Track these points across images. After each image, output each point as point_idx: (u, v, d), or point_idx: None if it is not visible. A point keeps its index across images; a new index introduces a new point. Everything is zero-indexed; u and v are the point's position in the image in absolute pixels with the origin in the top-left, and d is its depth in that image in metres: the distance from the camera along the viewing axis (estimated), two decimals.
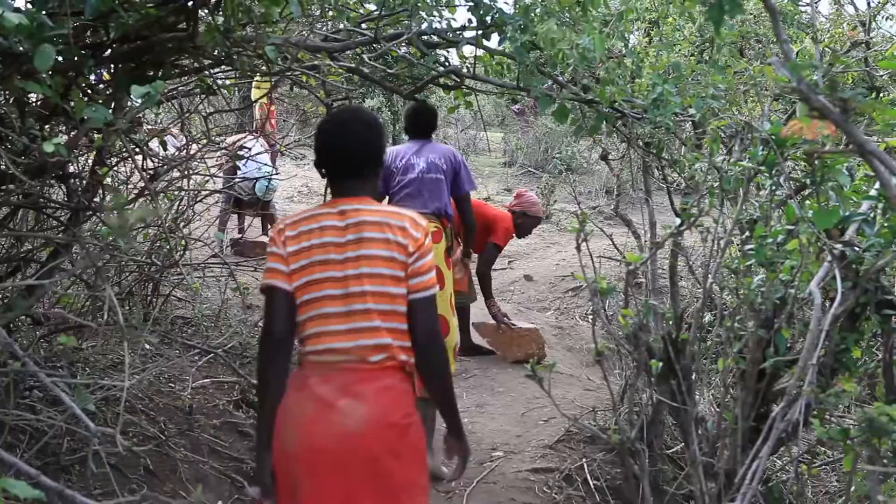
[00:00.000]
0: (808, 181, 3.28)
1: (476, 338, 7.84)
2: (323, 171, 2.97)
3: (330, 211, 2.88)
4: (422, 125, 5.44)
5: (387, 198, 5.10)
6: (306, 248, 2.82)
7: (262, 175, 8.70)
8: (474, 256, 7.20)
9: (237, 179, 8.88)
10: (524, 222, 7.94)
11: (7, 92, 3.21)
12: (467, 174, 5.67)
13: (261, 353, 2.90)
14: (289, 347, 2.86)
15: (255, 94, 10.69)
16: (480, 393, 7.01)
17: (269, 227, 10.50)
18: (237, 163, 8.55)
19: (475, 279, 7.65)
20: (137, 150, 3.92)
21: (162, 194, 4.77)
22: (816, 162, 3.11)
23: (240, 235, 9.80)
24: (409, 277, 2.83)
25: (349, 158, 2.92)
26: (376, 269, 2.79)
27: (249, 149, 7.86)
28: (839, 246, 3.11)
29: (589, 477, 5.14)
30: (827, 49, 7.64)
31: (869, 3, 8.64)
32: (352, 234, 2.82)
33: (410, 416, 2.83)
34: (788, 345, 3.47)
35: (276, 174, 9.11)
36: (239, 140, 8.10)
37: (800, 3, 10.06)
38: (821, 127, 2.13)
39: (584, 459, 5.30)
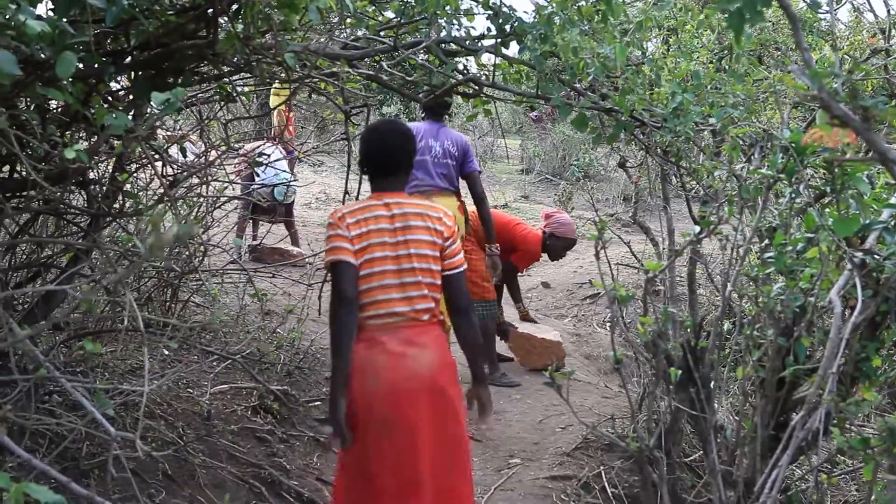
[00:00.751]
0: (828, 189, 3.27)
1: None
2: (366, 171, 3.81)
3: (377, 203, 3.66)
4: (436, 107, 6.06)
5: None
6: (366, 233, 3.57)
7: (280, 182, 8.73)
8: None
9: (255, 186, 8.90)
10: (553, 244, 7.66)
11: (29, 98, 3.24)
12: (473, 157, 6.71)
13: (337, 314, 3.54)
14: (357, 309, 3.55)
15: (273, 101, 10.74)
16: (497, 400, 6.99)
17: (291, 232, 10.53)
18: (256, 169, 8.59)
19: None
20: (157, 156, 3.94)
21: (181, 200, 4.79)
22: (836, 170, 3.10)
23: (257, 242, 9.80)
24: (445, 258, 3.70)
25: (388, 162, 3.71)
26: (421, 251, 3.62)
27: (268, 155, 7.89)
28: (859, 254, 3.09)
29: (607, 485, 5.13)
30: (846, 57, 7.60)
31: (889, 11, 8.59)
32: (399, 223, 3.62)
33: (450, 365, 3.75)
34: (808, 353, 3.46)
35: (294, 180, 9.14)
36: (257, 147, 8.13)
37: (819, 10, 10.02)
38: (841, 135, 2.13)
39: (601, 467, 5.29)
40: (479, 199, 6.77)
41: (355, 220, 3.57)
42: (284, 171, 8.99)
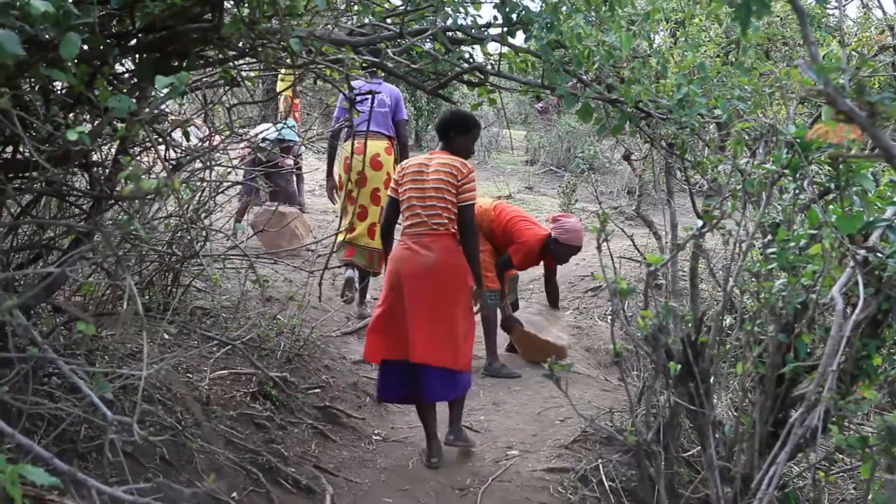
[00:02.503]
0: (832, 185, 3.26)
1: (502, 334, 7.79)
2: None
3: (426, 157, 5.65)
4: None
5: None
6: (406, 178, 5.54)
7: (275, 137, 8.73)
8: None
9: (260, 136, 8.78)
10: (556, 249, 7.53)
11: (32, 79, 3.22)
12: (403, 107, 8.20)
13: (384, 228, 5.82)
14: (394, 227, 5.79)
15: (279, 86, 10.70)
16: (497, 391, 7.01)
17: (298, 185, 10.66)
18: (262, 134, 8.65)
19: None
20: (160, 140, 3.93)
21: (184, 185, 4.78)
22: (841, 166, 3.09)
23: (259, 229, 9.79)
24: (458, 194, 5.43)
25: (439, 132, 5.71)
26: (439, 186, 5.42)
27: (271, 140, 7.91)
28: (862, 251, 3.08)
29: (604, 478, 5.13)
30: (854, 53, 7.58)
31: None
32: (431, 169, 5.49)
33: (459, 260, 5.45)
34: (809, 350, 3.45)
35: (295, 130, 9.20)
36: (262, 131, 8.15)
37: (827, 6, 9.99)
38: (847, 131, 2.11)
39: (599, 460, 5.29)
40: (403, 146, 8.23)
41: (402, 173, 5.59)
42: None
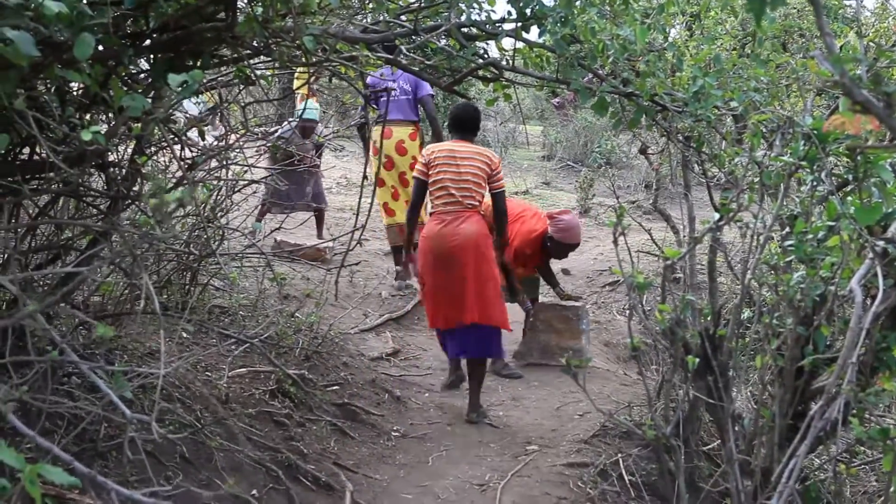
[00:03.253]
0: (850, 177, 3.24)
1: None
2: (450, 127, 6.51)
3: (451, 146, 6.32)
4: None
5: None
6: (438, 163, 6.21)
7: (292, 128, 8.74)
8: None
9: (283, 129, 8.81)
10: (552, 246, 7.43)
11: (47, 81, 3.23)
12: (424, 84, 8.53)
13: (414, 205, 6.48)
14: (422, 205, 6.62)
15: (296, 84, 10.71)
16: (516, 386, 7.00)
17: (322, 225, 10.51)
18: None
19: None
20: (176, 139, 3.94)
21: (200, 184, 4.79)
22: (859, 157, 3.07)
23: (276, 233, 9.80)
24: (491, 182, 6.25)
25: (461, 124, 6.40)
26: (471, 171, 6.17)
27: (287, 139, 7.91)
28: (881, 243, 3.06)
29: (624, 472, 5.12)
30: (871, 44, 7.53)
31: None
32: (463, 157, 6.21)
33: (486, 236, 6.23)
34: (828, 342, 3.43)
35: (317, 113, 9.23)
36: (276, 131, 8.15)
37: None
38: (864, 122, 2.09)
39: (619, 455, 5.28)
40: (433, 119, 8.84)
41: (433, 157, 6.25)
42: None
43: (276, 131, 8.62)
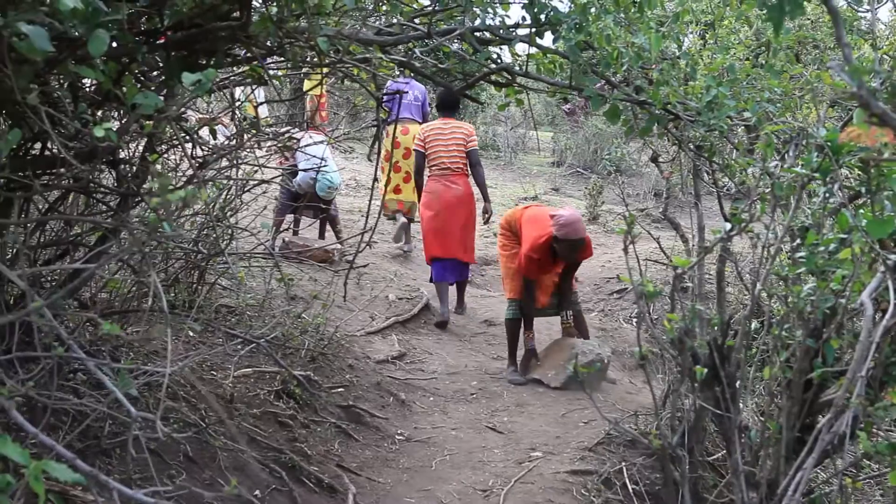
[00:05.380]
0: (862, 189, 3.22)
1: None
2: (438, 108, 9.06)
3: (441, 123, 8.92)
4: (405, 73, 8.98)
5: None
6: (431, 138, 8.84)
7: (312, 167, 8.55)
8: None
9: (297, 170, 8.80)
10: (558, 247, 6.94)
11: (61, 76, 3.24)
12: (427, 99, 11.22)
13: (417, 170, 9.16)
14: (423, 170, 9.12)
15: (307, 85, 10.73)
16: (521, 392, 6.99)
17: (327, 228, 10.45)
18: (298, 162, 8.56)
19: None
20: (187, 137, 3.94)
21: (210, 183, 4.79)
22: (872, 170, 3.05)
23: (286, 233, 9.76)
24: (468, 146, 8.80)
25: (446, 105, 8.93)
26: (457, 142, 8.76)
27: (298, 140, 7.88)
28: (893, 256, 3.04)
29: (628, 481, 5.10)
30: (886, 56, 7.52)
31: None
32: (449, 131, 8.81)
33: (470, 195, 8.95)
34: (837, 355, 3.41)
35: (325, 165, 8.99)
36: (287, 132, 8.11)
37: (859, 9, 9.92)
38: (879, 134, 2.08)
39: (623, 463, 5.27)
40: (425, 118, 10.91)
41: (426, 134, 8.93)
42: (315, 156, 8.52)
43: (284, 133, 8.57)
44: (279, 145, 5.29)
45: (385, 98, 4.99)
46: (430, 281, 9.26)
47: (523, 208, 7.61)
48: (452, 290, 9.30)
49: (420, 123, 10.56)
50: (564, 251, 6.97)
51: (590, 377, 6.86)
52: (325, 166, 9.00)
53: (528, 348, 7.47)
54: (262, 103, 5.38)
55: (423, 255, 9.87)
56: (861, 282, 3.17)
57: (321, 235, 10.45)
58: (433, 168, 8.88)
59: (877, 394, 3.24)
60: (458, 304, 9.33)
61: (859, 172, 3.26)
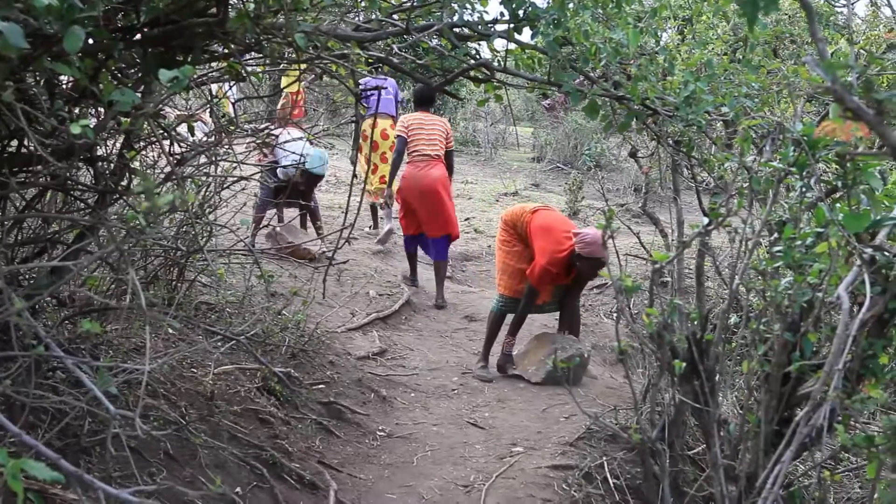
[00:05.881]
0: (839, 184, 3.24)
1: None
2: (416, 103, 9.73)
3: (421, 116, 9.62)
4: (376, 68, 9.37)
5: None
6: (413, 128, 9.47)
7: (294, 157, 8.51)
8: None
9: (277, 167, 8.76)
10: (580, 264, 6.88)
11: (37, 73, 3.22)
12: (399, 94, 12.12)
13: (397, 155, 9.61)
14: (402, 154, 9.59)
15: (284, 81, 10.70)
16: (502, 388, 7.00)
17: (308, 220, 10.40)
18: (280, 152, 8.52)
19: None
20: (165, 134, 3.92)
21: (189, 180, 4.77)
22: (848, 164, 3.07)
23: (266, 229, 9.70)
24: (447, 142, 9.60)
25: (424, 100, 9.71)
26: (435, 134, 9.51)
27: (276, 136, 7.83)
28: (869, 250, 3.06)
29: (609, 475, 5.11)
30: (862, 51, 7.55)
31: None
32: (429, 123, 9.54)
33: (447, 177, 9.59)
34: (815, 349, 3.43)
35: (308, 155, 8.95)
36: (265, 129, 8.07)
37: (835, 3, 9.97)
38: (854, 128, 2.10)
39: (604, 458, 5.28)
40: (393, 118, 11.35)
41: (408, 123, 9.48)
42: (295, 153, 8.54)
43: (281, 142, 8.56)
44: (258, 142, 5.27)
45: (364, 94, 4.98)
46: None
47: (532, 211, 7.35)
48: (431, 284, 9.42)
49: (392, 118, 11.26)
50: (585, 268, 6.95)
51: (570, 372, 6.87)
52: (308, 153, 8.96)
53: (505, 353, 7.46)
54: (239, 100, 5.35)
55: (401, 251, 9.98)
56: (838, 275, 3.19)
57: (304, 225, 10.43)
58: (413, 154, 9.45)
59: (854, 387, 3.27)
60: (438, 296, 9.67)
61: (836, 167, 3.28)
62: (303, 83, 9.93)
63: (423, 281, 10.11)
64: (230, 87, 4.77)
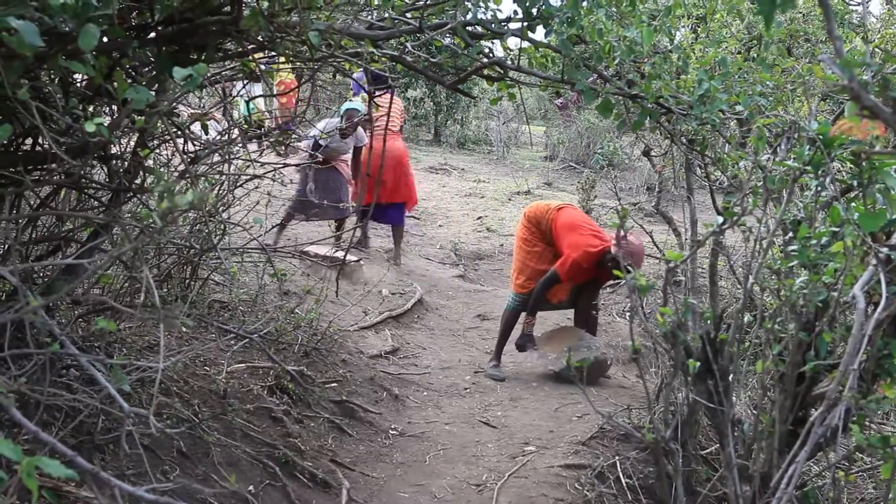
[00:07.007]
0: (854, 182, 3.23)
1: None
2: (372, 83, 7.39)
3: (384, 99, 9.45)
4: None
5: None
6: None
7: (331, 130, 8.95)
8: None
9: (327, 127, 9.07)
10: (613, 267, 6.36)
11: (52, 71, 3.22)
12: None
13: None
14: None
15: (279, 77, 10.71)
16: (514, 387, 6.99)
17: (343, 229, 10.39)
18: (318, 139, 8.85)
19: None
20: (179, 132, 3.92)
21: (202, 178, 4.78)
22: (864, 163, 3.05)
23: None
24: (401, 116, 10.91)
25: (380, 80, 6.38)
26: (396, 110, 10.08)
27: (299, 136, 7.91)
28: (885, 249, 3.05)
29: (622, 475, 5.11)
30: (878, 49, 7.52)
31: None
32: (385, 101, 8.53)
33: (405, 149, 10.90)
34: (829, 349, 3.42)
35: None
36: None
37: (851, 2, 9.93)
38: (870, 127, 2.08)
39: (617, 457, 5.27)
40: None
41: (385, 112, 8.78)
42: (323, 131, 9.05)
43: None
44: (273, 141, 5.28)
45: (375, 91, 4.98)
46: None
47: (557, 208, 7.30)
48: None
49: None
50: (610, 271, 6.66)
51: (588, 372, 6.84)
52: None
53: (525, 332, 7.39)
54: (257, 97, 5.36)
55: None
56: (853, 275, 3.18)
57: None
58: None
59: (869, 387, 3.25)
60: (395, 254, 10.54)
61: (851, 165, 3.27)
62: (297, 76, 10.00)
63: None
64: (245, 86, 4.77)
